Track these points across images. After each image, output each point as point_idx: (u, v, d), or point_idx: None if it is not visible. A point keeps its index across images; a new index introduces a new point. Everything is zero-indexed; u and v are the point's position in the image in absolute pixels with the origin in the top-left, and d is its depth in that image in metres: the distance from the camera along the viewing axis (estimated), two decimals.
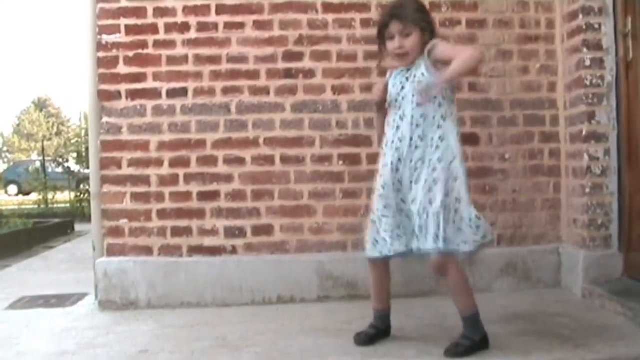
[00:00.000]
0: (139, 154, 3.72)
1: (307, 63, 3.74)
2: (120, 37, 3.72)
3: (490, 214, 3.76)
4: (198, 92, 3.73)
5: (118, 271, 3.66)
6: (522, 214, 3.80)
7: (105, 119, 3.73)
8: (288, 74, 3.74)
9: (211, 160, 3.73)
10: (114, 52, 3.72)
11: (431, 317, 3.22)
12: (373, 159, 3.28)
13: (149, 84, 3.73)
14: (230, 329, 3.16)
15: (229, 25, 3.73)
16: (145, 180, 3.73)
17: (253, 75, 3.74)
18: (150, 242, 3.71)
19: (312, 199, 3.73)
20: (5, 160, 46.05)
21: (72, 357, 2.83)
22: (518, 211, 3.79)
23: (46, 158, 16.02)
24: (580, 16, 3.53)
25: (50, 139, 35.85)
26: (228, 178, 3.73)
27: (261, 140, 3.74)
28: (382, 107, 2.89)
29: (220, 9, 3.73)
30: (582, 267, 3.49)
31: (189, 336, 3.08)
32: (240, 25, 3.73)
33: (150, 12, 3.72)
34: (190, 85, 3.73)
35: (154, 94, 3.73)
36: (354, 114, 3.72)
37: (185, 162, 3.73)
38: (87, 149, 7.05)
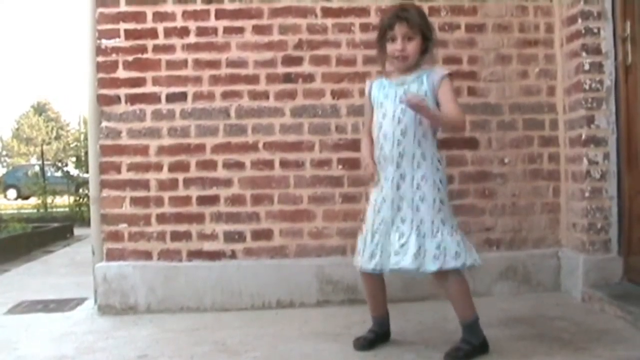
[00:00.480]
0: (138, 159, 3.73)
1: (306, 67, 3.75)
2: (120, 42, 3.72)
3: (490, 218, 3.77)
4: (197, 96, 3.73)
5: (117, 275, 3.66)
6: (522, 218, 3.80)
7: (104, 124, 3.73)
8: (287, 78, 3.75)
9: (210, 165, 3.73)
10: (114, 57, 3.72)
11: (431, 321, 3.22)
12: None
13: (149, 88, 3.73)
14: (230, 333, 3.16)
15: (228, 30, 3.74)
16: (145, 185, 3.73)
17: (252, 79, 3.74)
18: (149, 247, 3.71)
19: (312, 204, 3.73)
20: (5, 164, 46.08)
21: None
22: (517, 215, 3.79)
23: (45, 162, 15.98)
24: (580, 20, 3.54)
25: (49, 143, 35.79)
26: (227, 182, 3.73)
27: (260, 145, 3.74)
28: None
29: (220, 14, 3.74)
30: (582, 271, 3.50)
31: (188, 341, 3.07)
32: (240, 30, 3.74)
33: (149, 16, 3.73)
34: (190, 89, 3.73)
35: (154, 98, 3.73)
36: (353, 119, 3.72)
37: (184, 167, 3.73)
38: (86, 153, 7.05)
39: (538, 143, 3.82)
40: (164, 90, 3.73)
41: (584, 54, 3.53)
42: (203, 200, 3.72)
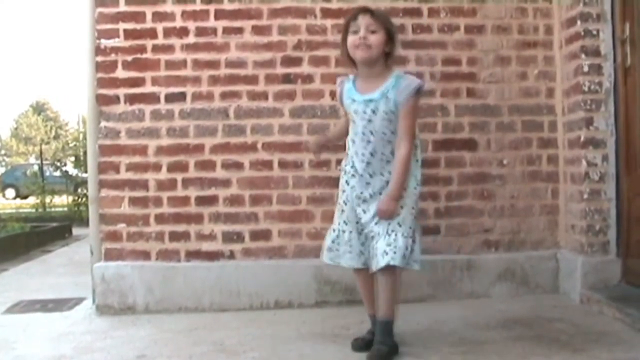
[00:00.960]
0: (137, 159, 3.72)
1: (305, 68, 3.75)
2: (119, 42, 3.72)
3: (489, 219, 3.77)
4: (196, 96, 3.73)
5: (116, 275, 3.66)
6: (520, 220, 3.80)
7: (103, 123, 3.73)
8: (286, 79, 3.74)
9: (209, 165, 3.73)
10: (113, 57, 3.72)
11: (429, 323, 3.22)
12: None
13: (148, 88, 3.73)
14: (228, 333, 3.16)
15: (227, 30, 3.74)
16: (143, 185, 3.72)
17: (251, 80, 3.74)
18: (148, 247, 3.71)
19: (310, 204, 3.73)
20: (3, 163, 46.00)
21: None
22: (516, 216, 3.79)
23: (44, 162, 15.95)
24: (579, 22, 3.54)
25: (48, 143, 35.76)
26: (226, 183, 3.73)
27: (259, 145, 3.74)
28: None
29: (219, 14, 3.74)
30: (580, 273, 3.50)
31: (186, 341, 3.07)
32: (239, 30, 3.74)
33: (149, 16, 3.73)
34: (189, 89, 3.73)
35: (153, 98, 3.73)
36: None
37: (183, 167, 3.73)
38: (85, 152, 7.05)
39: (537, 145, 3.82)
40: (163, 91, 3.73)
41: (583, 55, 3.53)
42: (202, 201, 3.72)
